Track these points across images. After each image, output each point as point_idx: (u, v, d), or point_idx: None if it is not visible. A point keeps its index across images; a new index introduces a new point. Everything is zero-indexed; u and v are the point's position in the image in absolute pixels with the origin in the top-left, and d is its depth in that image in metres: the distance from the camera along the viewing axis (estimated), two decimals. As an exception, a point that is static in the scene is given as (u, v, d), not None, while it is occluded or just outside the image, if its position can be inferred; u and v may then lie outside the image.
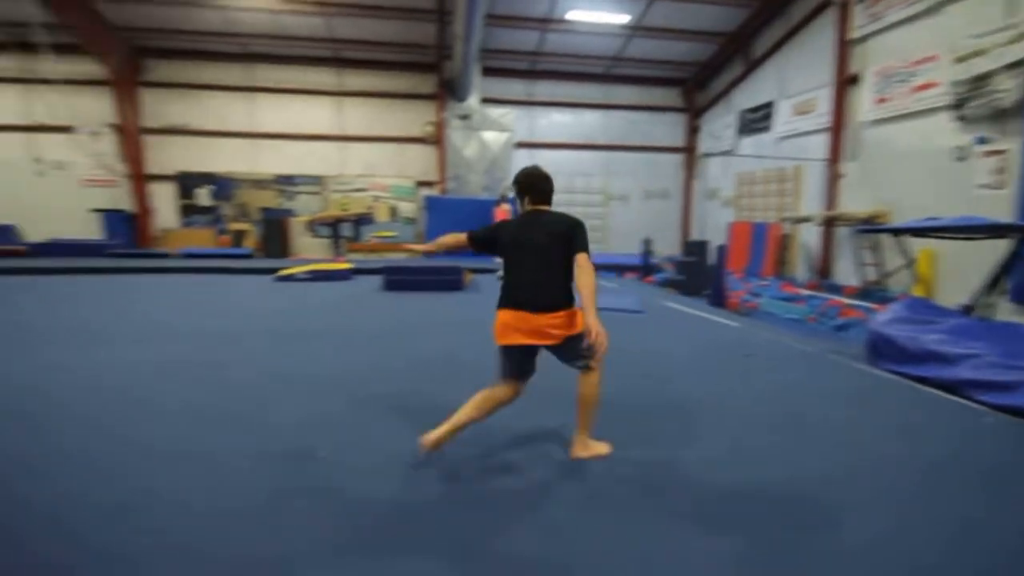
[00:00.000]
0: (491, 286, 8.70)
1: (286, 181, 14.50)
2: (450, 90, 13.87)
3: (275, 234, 13.55)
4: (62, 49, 11.72)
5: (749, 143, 13.22)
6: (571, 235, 2.33)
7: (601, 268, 11.08)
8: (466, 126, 13.82)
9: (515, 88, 14.95)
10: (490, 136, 13.97)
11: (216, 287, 8.35)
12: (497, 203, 12.18)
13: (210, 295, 7.59)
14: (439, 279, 8.27)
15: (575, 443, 2.52)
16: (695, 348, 4.78)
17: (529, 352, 2.40)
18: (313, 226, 13.82)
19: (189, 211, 14.26)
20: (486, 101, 13.96)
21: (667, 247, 14.46)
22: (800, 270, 11.29)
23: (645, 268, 10.69)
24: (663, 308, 6.94)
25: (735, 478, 2.36)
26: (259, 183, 14.45)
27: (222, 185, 14.32)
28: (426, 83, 14.40)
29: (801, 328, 5.70)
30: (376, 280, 8.69)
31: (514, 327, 2.32)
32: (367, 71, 14.27)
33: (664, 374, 3.94)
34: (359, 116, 14.51)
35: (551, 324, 2.31)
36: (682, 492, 2.25)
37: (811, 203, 11.09)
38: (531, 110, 15.16)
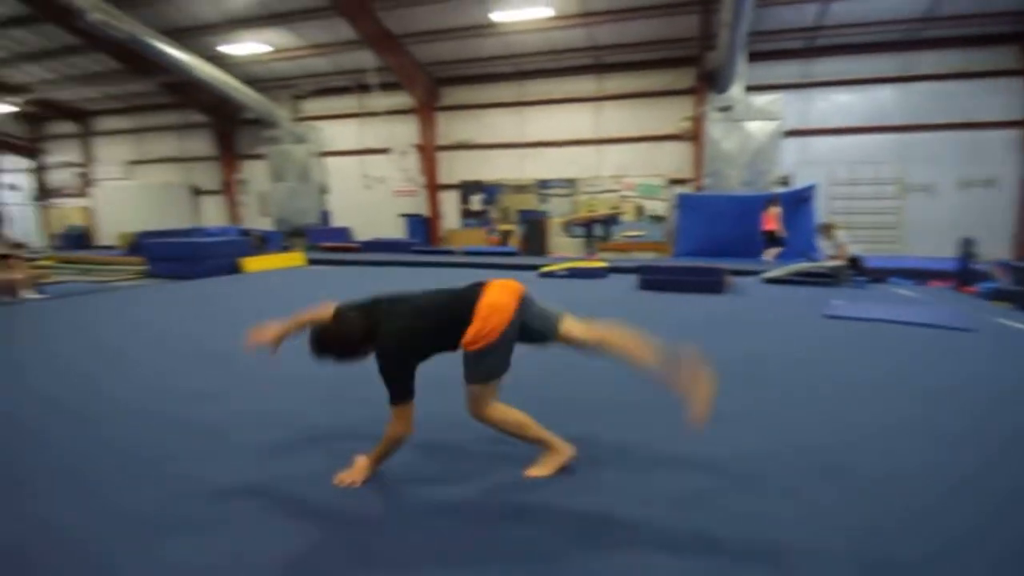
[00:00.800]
0: (755, 290, 8.10)
1: (543, 185, 15.75)
2: (710, 82, 13.24)
3: (535, 234, 14.85)
4: (385, 87, 14.72)
5: None
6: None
7: (897, 273, 9.35)
8: (727, 118, 13.02)
9: (786, 70, 13.52)
10: (754, 126, 12.92)
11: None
12: (766, 205, 11.03)
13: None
14: (699, 280, 8.01)
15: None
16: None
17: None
18: (568, 226, 14.75)
19: (466, 214, 16.57)
20: (751, 89, 12.94)
21: (994, 249, 11.43)
22: None
23: (963, 275, 8.63)
24: (999, 327, 5.54)
25: None
26: (519, 188, 16.03)
27: (490, 191, 16.30)
28: (683, 78, 14.04)
29: None
30: (630, 279, 8.82)
31: (506, 292, 2.22)
32: (625, 73, 14.55)
33: None
34: (616, 118, 14.90)
35: None
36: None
37: None
38: (805, 93, 13.53)
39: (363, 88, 15.24)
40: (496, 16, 12.49)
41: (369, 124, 16.09)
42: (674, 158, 14.44)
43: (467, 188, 16.38)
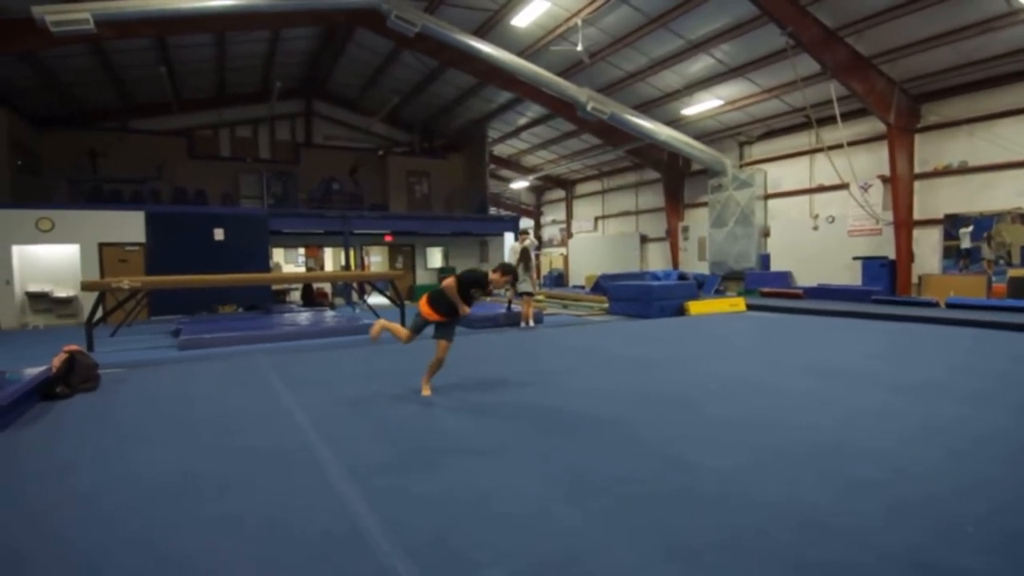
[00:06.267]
0: None
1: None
2: None
3: (1080, 282, 10.45)
4: (845, 116, 13.25)
5: None
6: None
7: None
8: None
9: None
10: None
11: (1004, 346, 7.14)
12: None
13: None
14: None
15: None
16: None
17: None
18: None
19: (948, 254, 13.11)
20: None
21: None
22: None
23: None
24: None
25: None
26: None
27: (979, 225, 12.44)
28: None
29: None
30: None
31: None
32: None
33: None
34: None
35: None
36: None
37: None
38: None
39: (818, 122, 14.17)
40: (1025, 0, 9.58)
41: (822, 159, 14.80)
42: None
43: (953, 222, 12.97)
